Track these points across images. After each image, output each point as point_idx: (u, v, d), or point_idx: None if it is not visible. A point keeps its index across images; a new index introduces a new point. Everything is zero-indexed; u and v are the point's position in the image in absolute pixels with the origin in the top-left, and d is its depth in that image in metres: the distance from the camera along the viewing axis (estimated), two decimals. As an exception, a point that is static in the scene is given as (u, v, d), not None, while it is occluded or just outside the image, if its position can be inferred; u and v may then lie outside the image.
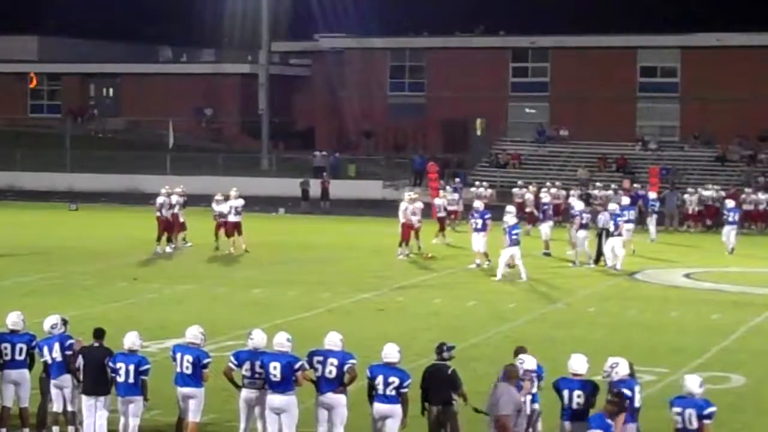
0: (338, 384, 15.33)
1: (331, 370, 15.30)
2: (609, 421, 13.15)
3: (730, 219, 38.47)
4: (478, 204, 35.14)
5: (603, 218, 34.35)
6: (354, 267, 34.01)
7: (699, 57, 65.28)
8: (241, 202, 36.63)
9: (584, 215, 34.80)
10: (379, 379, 14.94)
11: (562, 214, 42.87)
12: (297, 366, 15.25)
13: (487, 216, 33.65)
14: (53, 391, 16.20)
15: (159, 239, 36.06)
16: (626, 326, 25.43)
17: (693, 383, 13.55)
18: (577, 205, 36.31)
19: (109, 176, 61.97)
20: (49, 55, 79.76)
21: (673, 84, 67.18)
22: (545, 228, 36.94)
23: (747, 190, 48.15)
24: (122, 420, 15.65)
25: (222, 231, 36.37)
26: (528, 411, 14.45)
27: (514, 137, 66.08)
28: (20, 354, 16.29)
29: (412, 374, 15.33)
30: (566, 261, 35.25)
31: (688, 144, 62.90)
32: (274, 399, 15.32)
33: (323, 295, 28.59)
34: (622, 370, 14.17)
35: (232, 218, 36.25)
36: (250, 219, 42.59)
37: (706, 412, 13.30)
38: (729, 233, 38.15)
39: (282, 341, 15.42)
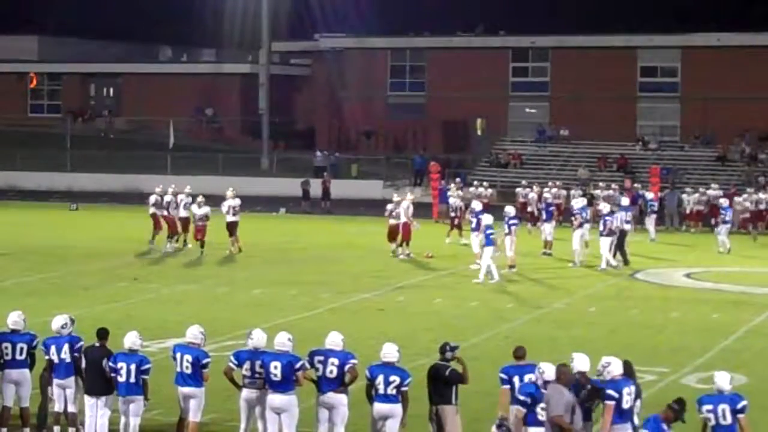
0: (339, 384, 15.32)
1: (332, 370, 15.30)
2: (664, 426, 13.08)
3: (726, 218, 38.48)
4: (476, 204, 35.14)
5: (619, 218, 34.42)
6: (354, 267, 34.00)
7: (699, 57, 65.27)
8: (237, 201, 36.38)
9: (583, 213, 34.81)
10: (380, 379, 14.94)
11: (562, 214, 42.91)
12: (298, 366, 15.25)
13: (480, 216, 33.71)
14: (55, 391, 16.19)
15: (170, 237, 36.06)
16: (627, 326, 25.43)
17: (723, 380, 13.64)
18: (576, 203, 36.37)
19: (109, 176, 61.94)
20: (49, 55, 79.74)
21: (673, 84, 67.18)
22: (547, 228, 36.91)
23: (748, 189, 48.12)
24: (123, 420, 15.64)
25: (197, 233, 35.76)
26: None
27: (514, 137, 66.05)
28: (21, 354, 16.27)
29: (413, 374, 15.33)
30: (566, 261, 35.26)
31: (689, 144, 62.89)
32: (274, 399, 15.31)
33: (323, 295, 28.59)
34: (615, 369, 14.13)
35: (229, 218, 36.13)
36: (251, 219, 42.63)
37: (740, 405, 13.42)
38: (724, 233, 38.16)
39: (283, 341, 15.42)
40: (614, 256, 34.14)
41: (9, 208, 52.13)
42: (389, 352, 15.12)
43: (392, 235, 35.82)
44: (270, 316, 24.92)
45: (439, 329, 23.86)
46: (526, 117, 69.25)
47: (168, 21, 77.27)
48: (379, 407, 14.99)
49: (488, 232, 30.65)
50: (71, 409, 16.14)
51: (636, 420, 14.08)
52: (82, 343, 16.12)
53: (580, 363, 14.34)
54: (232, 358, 15.77)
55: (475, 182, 49.11)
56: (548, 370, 14.20)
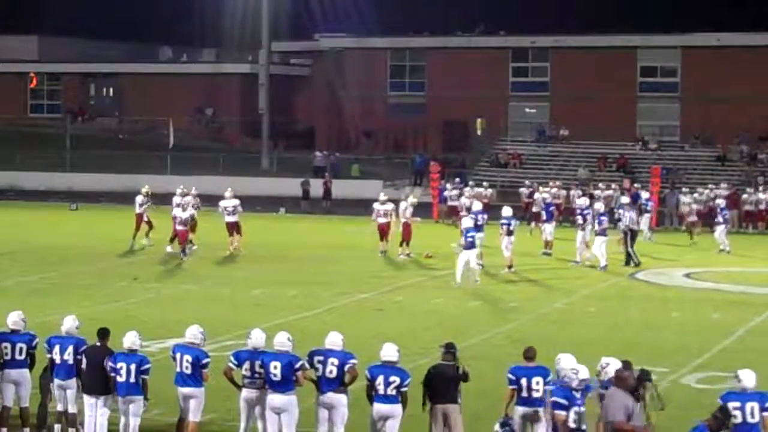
0: (339, 384, 15.32)
1: (331, 370, 15.30)
2: None
3: (721, 219, 38.46)
4: (476, 204, 35.13)
5: (628, 217, 34.44)
6: (354, 267, 34.00)
7: (699, 57, 65.31)
8: (235, 202, 36.13)
9: (585, 213, 34.85)
10: (380, 379, 14.93)
11: (562, 214, 42.94)
12: (297, 365, 15.25)
13: (482, 216, 33.70)
14: (56, 391, 16.18)
15: (172, 240, 35.92)
16: (627, 326, 25.43)
17: (749, 378, 13.69)
18: (579, 202, 36.40)
19: (109, 176, 61.94)
20: (49, 55, 79.76)
21: (673, 84, 67.21)
22: (547, 228, 36.91)
23: (748, 189, 48.17)
24: (122, 420, 15.64)
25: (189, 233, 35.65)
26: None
27: (514, 137, 66.07)
28: (20, 354, 16.26)
29: (412, 374, 15.33)
30: (566, 261, 35.28)
31: (689, 144, 62.89)
32: (274, 399, 15.31)
33: (323, 295, 28.59)
34: (612, 370, 14.15)
35: (228, 218, 36.03)
36: (251, 219, 42.60)
37: None
38: (721, 232, 38.17)
39: (283, 341, 15.42)
40: (634, 255, 34.17)
41: (9, 208, 52.13)
42: (389, 353, 15.11)
43: (382, 235, 35.63)
44: (270, 316, 24.92)
45: (438, 329, 23.86)
46: (526, 117, 69.29)
47: (168, 21, 77.31)
48: (379, 407, 14.98)
49: (469, 235, 30.20)
50: (71, 409, 16.14)
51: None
52: (86, 346, 16.11)
53: (567, 363, 14.28)
54: (231, 358, 15.77)
55: (470, 182, 49.23)
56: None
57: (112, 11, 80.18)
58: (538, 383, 14.68)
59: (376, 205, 36.10)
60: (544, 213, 37.90)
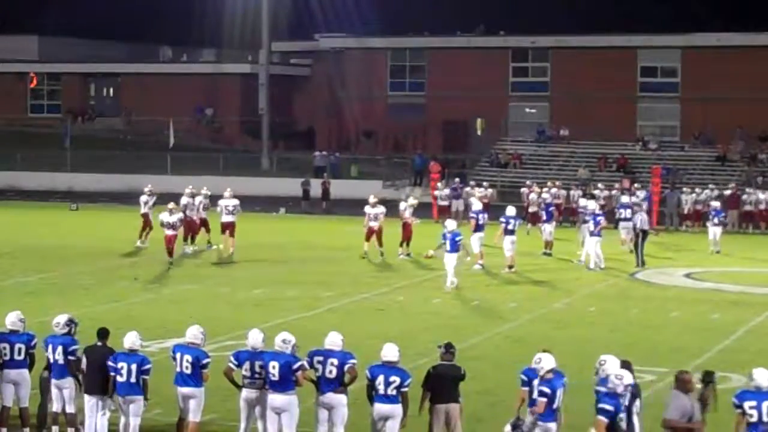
0: (338, 384, 15.31)
1: (331, 370, 15.29)
2: None
3: (716, 220, 38.41)
4: (476, 204, 35.11)
5: (640, 219, 34.45)
6: (354, 267, 33.99)
7: (699, 57, 65.30)
8: (234, 201, 35.96)
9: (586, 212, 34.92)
10: (380, 379, 14.92)
11: (562, 214, 42.93)
12: (295, 366, 15.22)
13: (482, 215, 33.69)
14: (53, 391, 16.18)
15: (185, 239, 35.84)
16: (626, 326, 25.43)
17: (764, 377, 13.67)
18: (582, 202, 36.40)
19: (109, 176, 61.96)
20: (49, 55, 79.73)
21: (673, 84, 67.20)
22: (547, 228, 36.90)
23: (748, 190, 48.16)
24: (123, 420, 15.64)
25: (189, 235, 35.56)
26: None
27: (514, 137, 66.07)
28: (19, 354, 16.27)
29: (413, 374, 15.32)
30: (566, 261, 35.29)
31: (689, 144, 62.90)
32: (274, 399, 15.31)
33: (323, 295, 28.59)
34: (610, 368, 14.18)
35: (226, 218, 35.92)
36: (251, 219, 42.63)
37: None
38: (714, 234, 38.16)
39: (279, 342, 15.41)
40: (639, 256, 34.21)
41: (9, 208, 52.14)
42: (389, 353, 15.10)
43: (369, 236, 35.44)
44: (270, 316, 24.93)
45: (439, 329, 23.85)
46: (526, 117, 69.28)
47: (168, 21, 77.27)
48: (380, 408, 14.97)
49: (457, 239, 29.97)
50: (70, 409, 16.13)
51: (636, 420, 14.09)
52: (76, 347, 16.07)
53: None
54: (231, 358, 15.76)
55: (470, 182, 49.24)
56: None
57: (112, 11, 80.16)
58: None
59: (367, 209, 35.65)
60: (544, 213, 37.91)
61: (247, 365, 15.56)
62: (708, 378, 14.03)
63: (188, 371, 15.57)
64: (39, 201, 55.87)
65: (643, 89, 67.44)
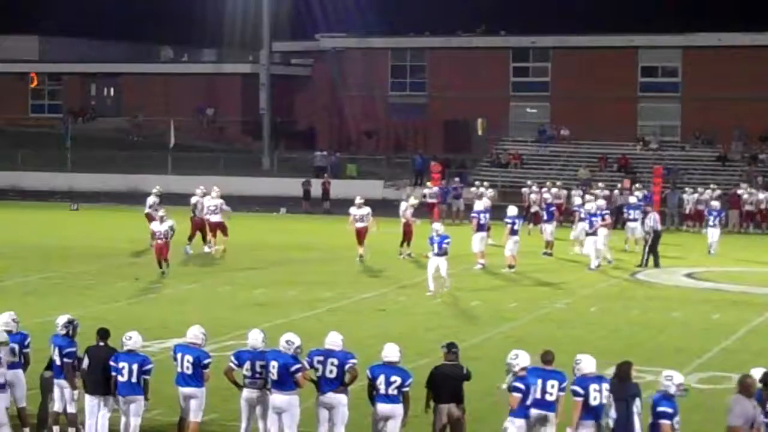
0: (339, 384, 15.31)
1: (331, 370, 15.28)
2: None
3: (713, 221, 38.32)
4: (478, 204, 35.11)
5: (652, 218, 34.43)
6: (355, 267, 33.98)
7: (700, 57, 65.32)
8: (218, 201, 35.66)
9: (583, 211, 34.91)
10: (381, 379, 14.92)
11: (563, 214, 42.93)
12: (293, 369, 15.18)
13: (485, 215, 33.66)
14: (56, 390, 16.18)
15: (190, 239, 35.73)
16: (627, 326, 25.41)
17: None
18: (577, 200, 36.41)
19: (109, 176, 61.98)
20: (50, 55, 79.77)
21: (674, 84, 67.21)
22: (548, 228, 36.89)
23: (749, 190, 48.09)
24: (123, 420, 15.64)
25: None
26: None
27: (515, 137, 66.11)
28: (13, 354, 16.24)
29: (414, 374, 15.31)
30: (566, 261, 35.28)
31: (689, 144, 62.90)
32: (276, 398, 15.31)
33: (324, 295, 28.58)
34: (586, 366, 14.28)
35: (212, 218, 35.78)
36: (252, 219, 42.68)
37: None
38: (712, 235, 38.10)
39: (283, 342, 15.42)
40: (648, 257, 34.18)
41: (9, 208, 52.15)
42: (390, 353, 15.09)
43: (359, 239, 35.24)
44: (270, 316, 24.92)
45: (439, 329, 23.85)
46: (526, 117, 69.30)
47: (168, 21, 77.25)
48: (381, 408, 14.96)
49: (446, 242, 29.72)
50: (71, 409, 16.12)
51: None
52: (71, 349, 16.03)
53: (523, 359, 14.40)
54: (232, 358, 15.76)
55: (476, 182, 49.21)
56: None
57: (112, 11, 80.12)
58: (552, 386, 14.63)
59: (352, 210, 35.40)
60: (544, 213, 37.90)
61: (247, 365, 15.55)
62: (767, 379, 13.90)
63: (189, 371, 15.56)
64: (39, 201, 55.89)
65: (643, 89, 67.45)
